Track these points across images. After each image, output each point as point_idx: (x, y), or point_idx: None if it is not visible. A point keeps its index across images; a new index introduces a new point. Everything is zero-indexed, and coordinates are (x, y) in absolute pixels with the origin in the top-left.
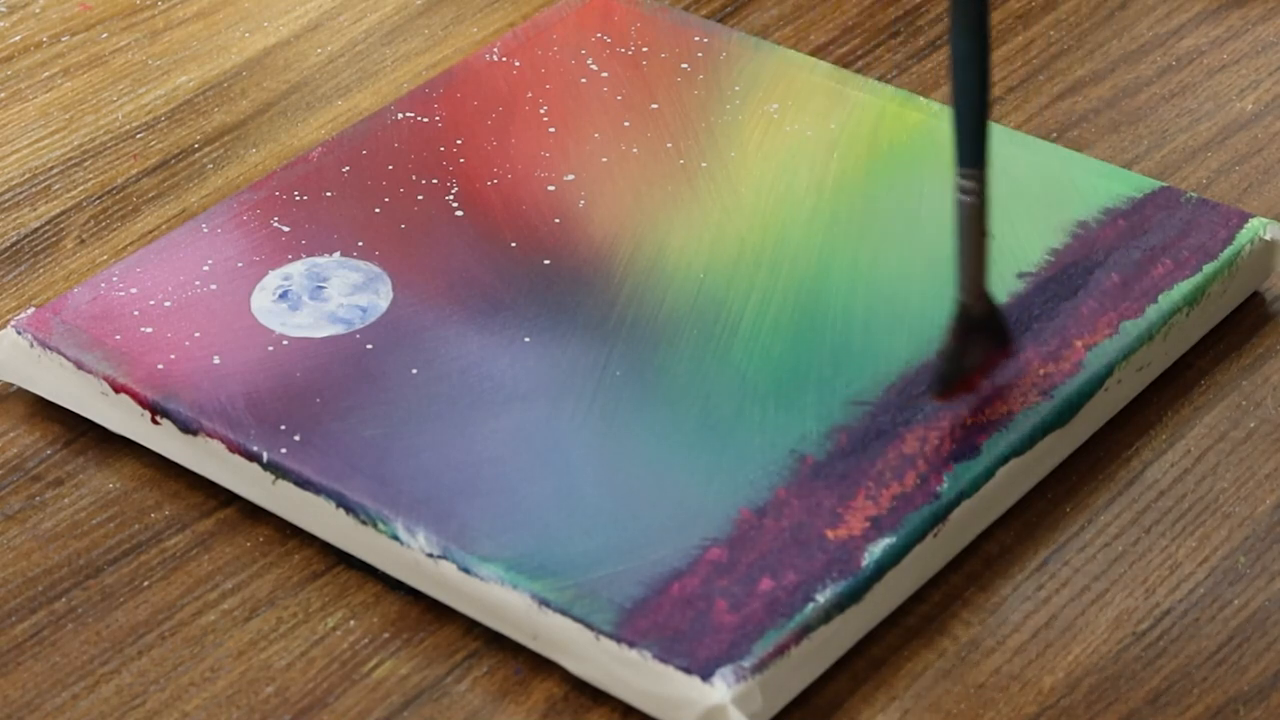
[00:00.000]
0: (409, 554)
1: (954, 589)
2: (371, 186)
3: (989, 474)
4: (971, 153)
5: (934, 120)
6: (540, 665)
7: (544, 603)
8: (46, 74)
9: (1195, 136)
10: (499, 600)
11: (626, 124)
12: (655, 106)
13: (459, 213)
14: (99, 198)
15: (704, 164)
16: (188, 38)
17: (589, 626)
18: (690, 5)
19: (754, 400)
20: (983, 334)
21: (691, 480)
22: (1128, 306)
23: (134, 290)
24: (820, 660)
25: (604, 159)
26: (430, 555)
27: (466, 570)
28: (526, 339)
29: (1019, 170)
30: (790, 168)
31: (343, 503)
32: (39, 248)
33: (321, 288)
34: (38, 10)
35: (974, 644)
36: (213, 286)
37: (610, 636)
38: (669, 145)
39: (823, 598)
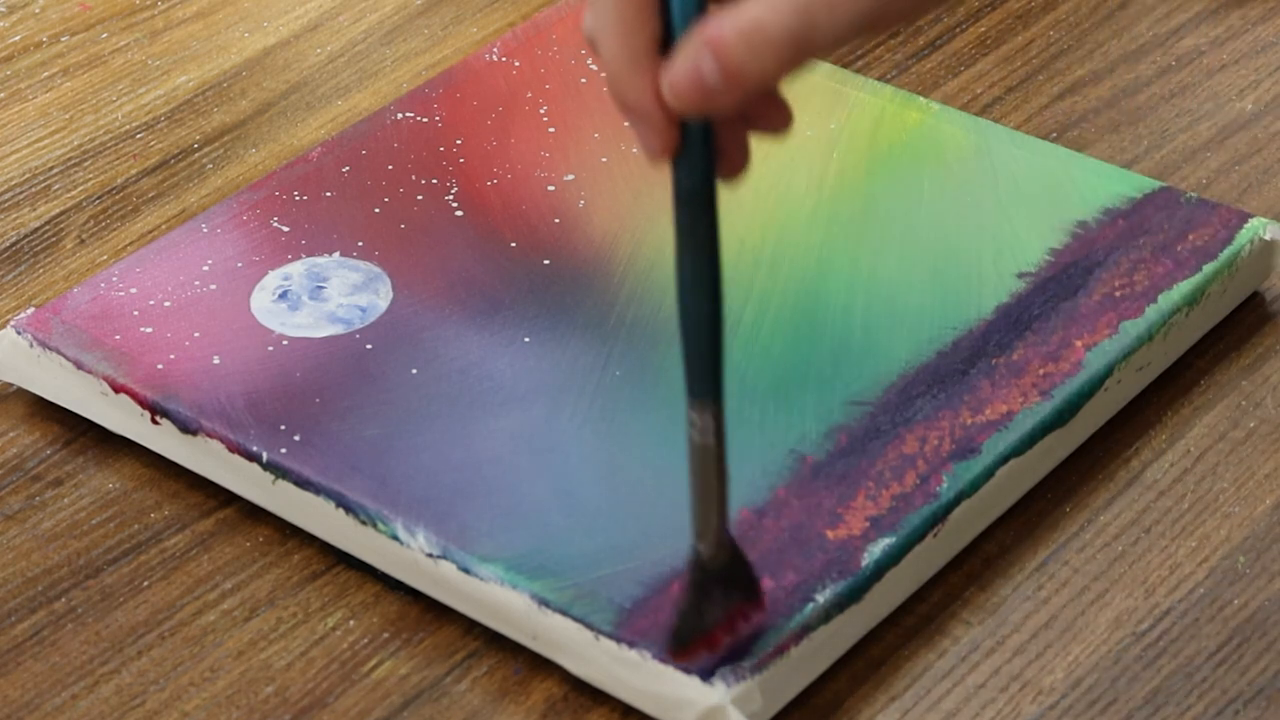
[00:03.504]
0: (409, 554)
1: (954, 589)
2: (371, 186)
3: (989, 474)
4: (704, 385)
5: (934, 120)
6: (540, 665)
7: (544, 603)
8: (46, 74)
9: (1195, 136)
10: (499, 600)
11: (626, 124)
12: None
13: (459, 213)
14: (99, 198)
15: None
16: (188, 38)
17: (589, 626)
18: None
19: (754, 400)
20: (725, 585)
21: None
22: (1128, 306)
23: (134, 290)
24: (820, 660)
25: (604, 159)
26: (430, 555)
27: (466, 570)
28: (526, 339)
29: (1019, 170)
30: (790, 168)
31: (343, 503)
32: (39, 248)
33: (321, 288)
34: (38, 10)
35: (974, 644)
36: (213, 286)
37: (610, 636)
38: None
39: (823, 598)
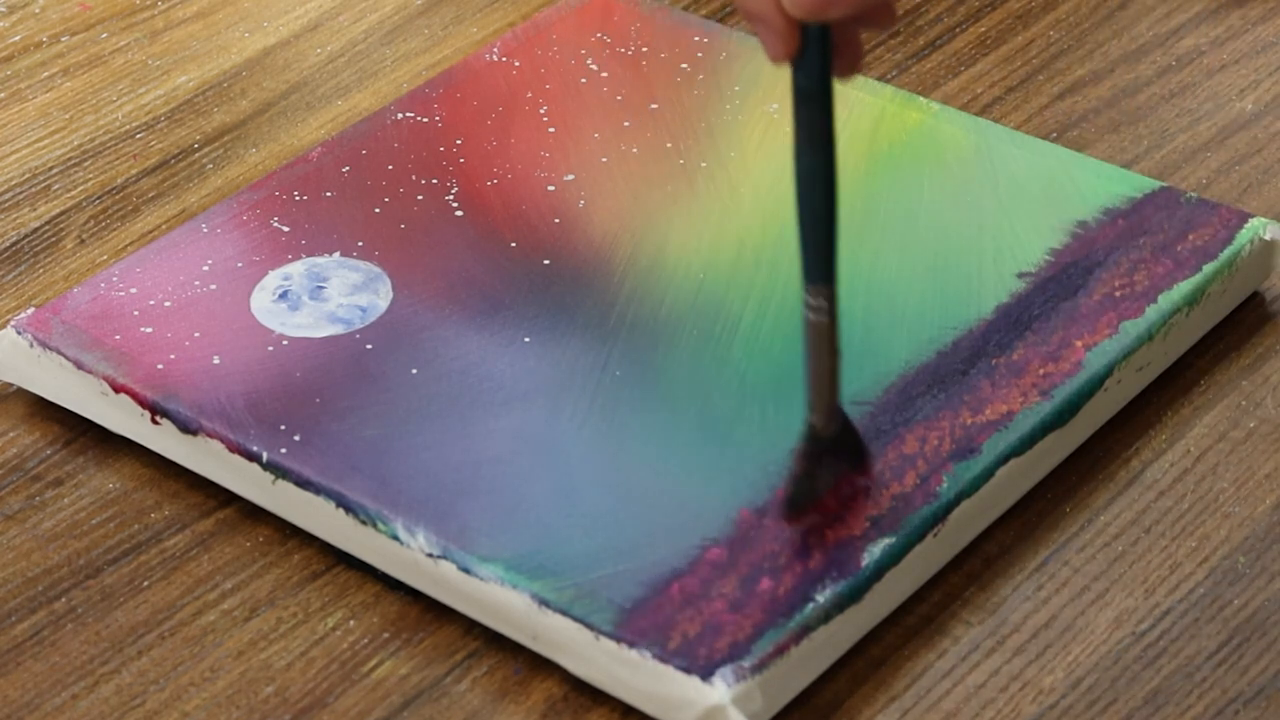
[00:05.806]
0: (409, 554)
1: (954, 589)
2: (371, 186)
3: (989, 474)
4: (820, 270)
5: (934, 120)
6: (540, 665)
7: (544, 603)
8: (46, 74)
9: (1195, 136)
10: (499, 600)
11: (626, 124)
12: (655, 106)
13: (459, 213)
14: (99, 198)
15: (704, 164)
16: (188, 38)
17: (589, 626)
18: (690, 5)
19: (754, 400)
20: (835, 457)
21: (691, 480)
22: (1128, 306)
23: (134, 290)
24: (820, 660)
25: (604, 159)
26: (430, 555)
27: (466, 570)
28: (526, 339)
29: (1019, 170)
30: (790, 168)
31: (343, 503)
32: (39, 248)
33: (321, 288)
34: (38, 10)
35: (974, 644)
36: (213, 286)
37: (610, 636)
38: (669, 145)
39: (823, 598)
